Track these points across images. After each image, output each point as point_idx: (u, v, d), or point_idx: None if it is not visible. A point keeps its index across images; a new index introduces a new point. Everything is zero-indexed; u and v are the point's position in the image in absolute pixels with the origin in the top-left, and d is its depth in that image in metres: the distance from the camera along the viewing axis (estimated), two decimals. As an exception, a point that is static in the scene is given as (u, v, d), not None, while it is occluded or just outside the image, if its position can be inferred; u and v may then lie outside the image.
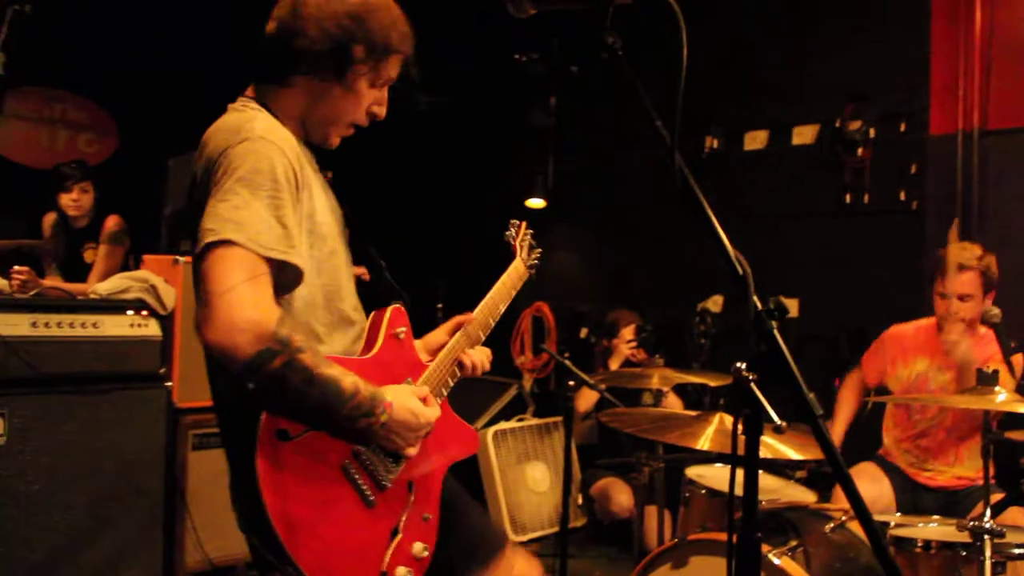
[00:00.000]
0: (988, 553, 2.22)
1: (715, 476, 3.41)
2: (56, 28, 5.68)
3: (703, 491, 3.28)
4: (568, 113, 6.19)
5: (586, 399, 4.74)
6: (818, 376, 4.51)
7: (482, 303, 2.17)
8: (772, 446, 2.80)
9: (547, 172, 6.22)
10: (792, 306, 5.20)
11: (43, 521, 3.29)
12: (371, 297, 2.00)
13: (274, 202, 1.59)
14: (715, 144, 5.43)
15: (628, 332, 4.86)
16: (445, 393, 1.98)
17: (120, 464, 3.51)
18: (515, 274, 2.37)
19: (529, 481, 5.03)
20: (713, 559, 2.78)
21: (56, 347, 3.40)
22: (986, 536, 2.24)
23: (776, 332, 1.35)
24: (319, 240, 1.77)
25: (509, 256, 7.21)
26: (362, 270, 2.03)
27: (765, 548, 2.68)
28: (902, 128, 4.72)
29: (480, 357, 2.10)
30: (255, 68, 1.84)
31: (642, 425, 3.23)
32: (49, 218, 4.75)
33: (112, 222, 4.68)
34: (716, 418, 2.98)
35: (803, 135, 5.11)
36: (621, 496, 4.57)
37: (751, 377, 1.34)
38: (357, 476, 1.71)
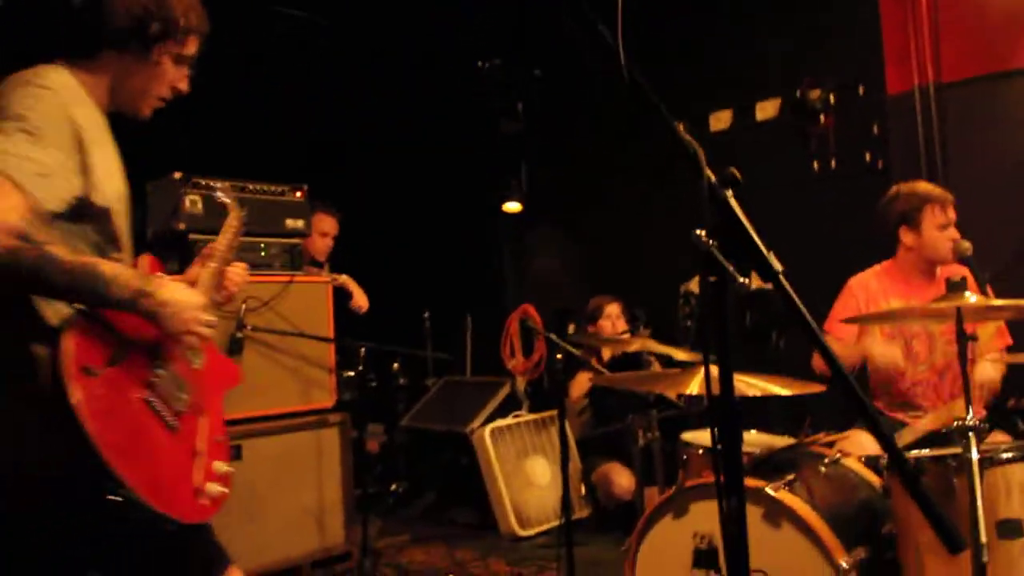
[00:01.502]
0: (975, 450, 2.25)
1: (710, 438, 3.43)
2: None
3: (700, 450, 3.30)
4: (537, 116, 6.29)
5: (580, 385, 4.78)
6: (804, 345, 4.56)
7: (220, 238, 2.36)
8: (758, 385, 2.85)
9: (521, 176, 6.31)
10: (773, 279, 5.26)
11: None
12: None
13: (36, 139, 1.71)
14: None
15: (613, 309, 4.91)
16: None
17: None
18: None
19: (531, 475, 5.04)
20: (713, 502, 2.80)
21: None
22: (971, 433, 2.27)
23: (731, 199, 1.40)
24: (95, 190, 1.86)
25: (493, 260, 7.23)
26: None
27: (762, 483, 2.71)
28: (861, 91, 4.84)
29: (236, 274, 2.34)
30: (61, 42, 1.96)
31: (633, 382, 3.28)
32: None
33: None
34: (702, 369, 3.03)
35: (765, 110, 5.22)
36: (622, 478, 4.60)
37: (711, 243, 1.39)
38: (157, 405, 1.85)
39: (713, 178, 1.41)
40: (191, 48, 2.06)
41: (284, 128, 5.78)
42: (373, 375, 4.95)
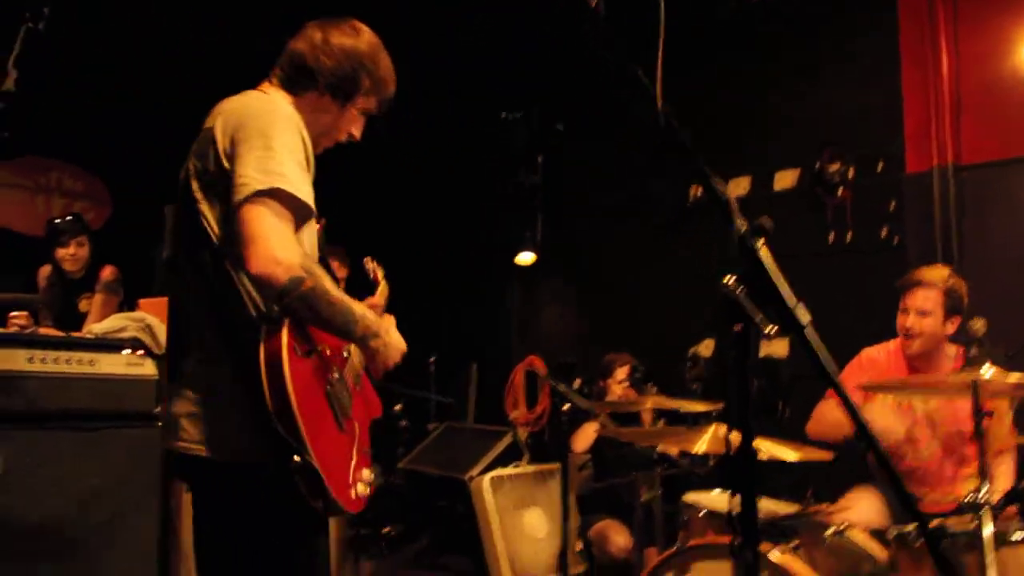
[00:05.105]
0: (988, 527, 2.22)
1: (712, 500, 3.40)
2: (51, 97, 5.82)
3: (701, 512, 3.27)
4: (555, 169, 6.34)
5: (585, 438, 4.73)
6: (808, 414, 4.54)
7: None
8: (766, 448, 2.83)
9: (536, 228, 6.34)
10: (782, 347, 5.25)
11: (33, 560, 3.23)
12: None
13: (301, 163, 1.94)
14: (699, 192, 5.56)
15: (621, 372, 4.89)
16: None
17: (113, 503, 3.46)
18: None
19: (527, 527, 4.98)
20: (715, 563, 2.77)
21: (52, 383, 3.39)
22: (984, 509, 2.25)
23: (761, 250, 1.41)
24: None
25: (501, 310, 7.19)
26: None
27: (766, 547, 2.68)
28: (879, 168, 4.87)
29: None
30: (283, 74, 2.16)
31: (639, 437, 3.26)
32: (44, 270, 4.80)
33: (108, 272, 4.74)
34: (711, 427, 3.02)
35: (784, 179, 5.25)
36: (619, 537, 4.53)
37: (739, 290, 1.39)
38: (334, 402, 2.02)
39: (745, 227, 1.41)
40: (377, 104, 2.24)
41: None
42: (375, 415, 4.90)
